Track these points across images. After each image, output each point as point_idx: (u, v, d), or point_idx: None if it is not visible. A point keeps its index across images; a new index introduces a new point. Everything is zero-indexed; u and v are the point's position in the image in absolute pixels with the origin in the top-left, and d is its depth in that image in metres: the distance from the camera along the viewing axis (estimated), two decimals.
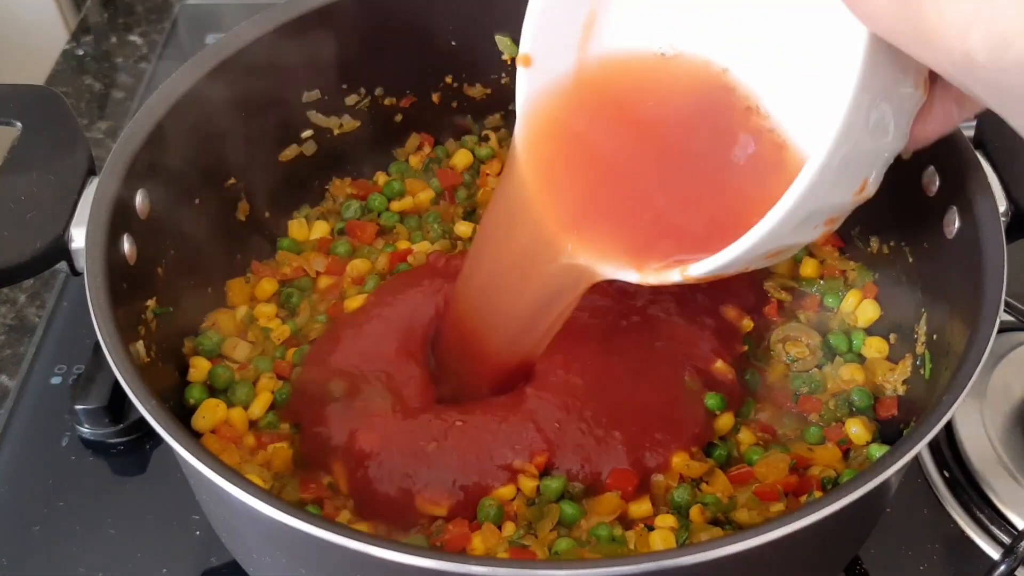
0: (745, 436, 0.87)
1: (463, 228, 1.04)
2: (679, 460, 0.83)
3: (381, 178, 1.10)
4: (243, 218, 1.00)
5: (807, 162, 0.60)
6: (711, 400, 0.86)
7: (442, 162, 1.11)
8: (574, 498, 0.81)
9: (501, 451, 0.82)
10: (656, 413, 0.85)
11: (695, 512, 0.79)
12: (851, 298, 0.96)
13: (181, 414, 0.86)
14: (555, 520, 0.79)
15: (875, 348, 0.93)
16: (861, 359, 0.93)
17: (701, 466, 0.83)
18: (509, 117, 1.13)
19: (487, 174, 1.10)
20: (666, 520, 0.79)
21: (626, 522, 0.80)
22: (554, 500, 0.80)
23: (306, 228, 1.04)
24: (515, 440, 0.82)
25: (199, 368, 0.89)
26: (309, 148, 1.04)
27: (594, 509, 0.80)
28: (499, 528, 0.78)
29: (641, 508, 0.80)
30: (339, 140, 1.06)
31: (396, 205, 1.06)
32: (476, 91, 1.10)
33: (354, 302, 0.96)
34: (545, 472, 0.82)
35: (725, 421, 0.87)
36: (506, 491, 0.80)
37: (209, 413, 0.85)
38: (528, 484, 0.80)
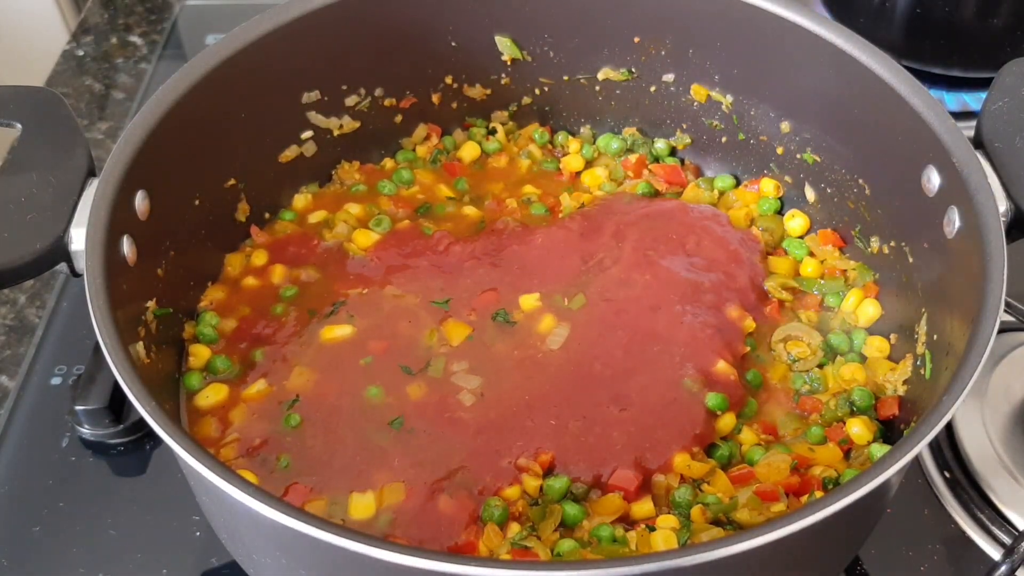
0: (747, 436, 0.87)
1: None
2: (680, 460, 0.83)
3: (388, 163, 1.10)
4: (243, 219, 1.00)
5: None
6: (713, 400, 0.86)
7: (449, 153, 1.11)
8: (576, 499, 0.81)
9: (508, 447, 0.82)
10: (658, 414, 0.85)
11: (696, 512, 0.79)
12: (852, 298, 0.96)
13: (175, 392, 0.88)
14: (558, 520, 0.79)
15: (876, 347, 0.93)
16: (862, 358, 0.93)
17: (702, 466, 0.83)
18: (512, 116, 1.13)
19: (494, 167, 1.10)
20: (667, 520, 0.79)
21: (628, 522, 0.81)
22: (557, 500, 0.80)
23: (310, 202, 1.05)
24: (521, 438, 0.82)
25: (198, 356, 0.90)
26: (309, 149, 1.04)
27: (596, 510, 0.80)
28: (503, 529, 0.78)
29: (643, 508, 0.81)
30: (339, 141, 1.06)
31: (406, 193, 1.07)
32: (476, 91, 1.10)
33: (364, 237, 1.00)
34: (548, 472, 0.82)
35: (726, 421, 0.87)
36: (511, 492, 0.80)
37: (213, 393, 0.88)
38: (532, 483, 0.80)
